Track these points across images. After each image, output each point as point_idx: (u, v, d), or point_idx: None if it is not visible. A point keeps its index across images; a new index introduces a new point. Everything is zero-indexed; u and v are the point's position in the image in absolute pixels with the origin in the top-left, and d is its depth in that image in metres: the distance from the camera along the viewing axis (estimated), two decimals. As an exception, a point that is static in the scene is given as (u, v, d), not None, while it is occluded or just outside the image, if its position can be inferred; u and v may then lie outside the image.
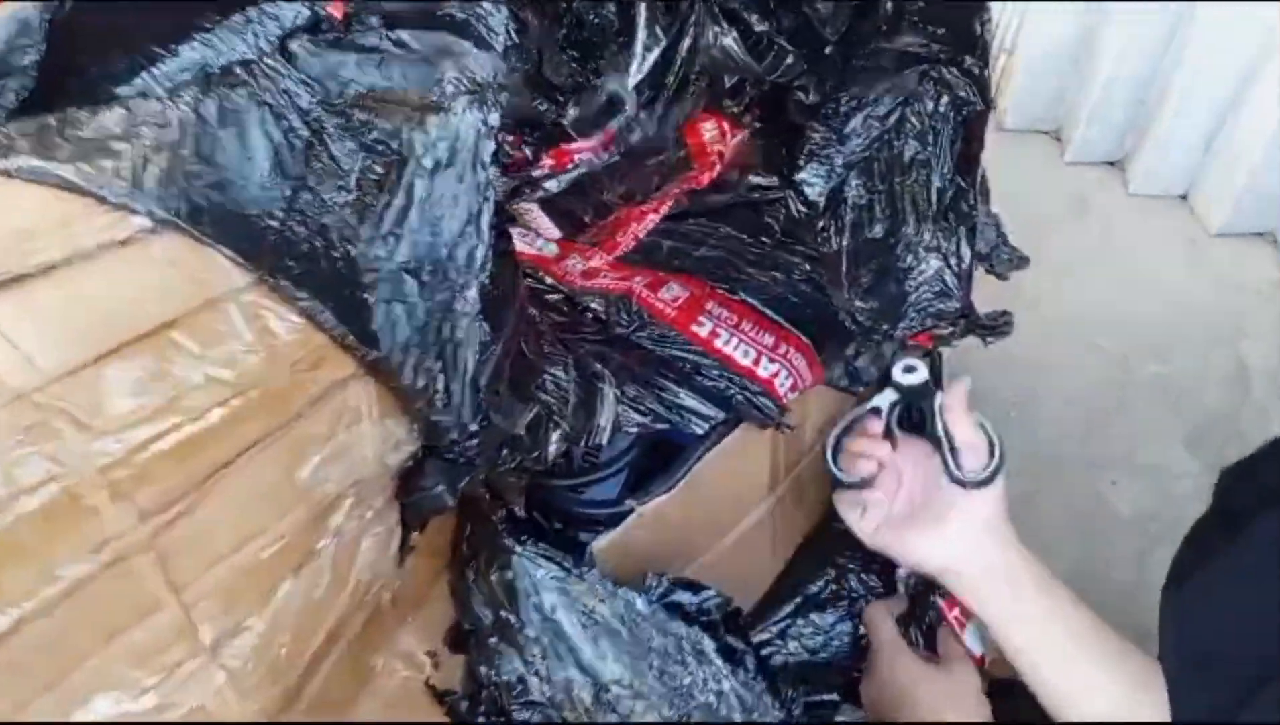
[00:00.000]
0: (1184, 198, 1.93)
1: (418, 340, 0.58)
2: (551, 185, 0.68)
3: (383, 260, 0.57)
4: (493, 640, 0.77)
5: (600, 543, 0.76)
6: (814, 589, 0.94)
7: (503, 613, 0.76)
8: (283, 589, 0.55)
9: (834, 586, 0.94)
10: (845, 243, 0.77)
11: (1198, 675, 0.55)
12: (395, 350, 0.58)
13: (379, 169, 0.57)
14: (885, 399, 0.84)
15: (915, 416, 0.84)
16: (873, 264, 0.76)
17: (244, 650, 0.53)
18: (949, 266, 0.76)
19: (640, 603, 0.73)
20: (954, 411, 0.79)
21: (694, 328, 0.85)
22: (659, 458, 0.93)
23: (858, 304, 0.78)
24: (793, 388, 0.84)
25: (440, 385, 0.59)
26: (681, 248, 0.91)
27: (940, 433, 0.78)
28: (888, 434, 0.84)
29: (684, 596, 0.75)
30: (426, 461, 0.63)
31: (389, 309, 0.58)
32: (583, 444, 0.73)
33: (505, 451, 0.68)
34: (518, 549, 0.73)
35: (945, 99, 0.73)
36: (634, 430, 0.76)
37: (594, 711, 0.74)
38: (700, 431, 0.79)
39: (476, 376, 0.59)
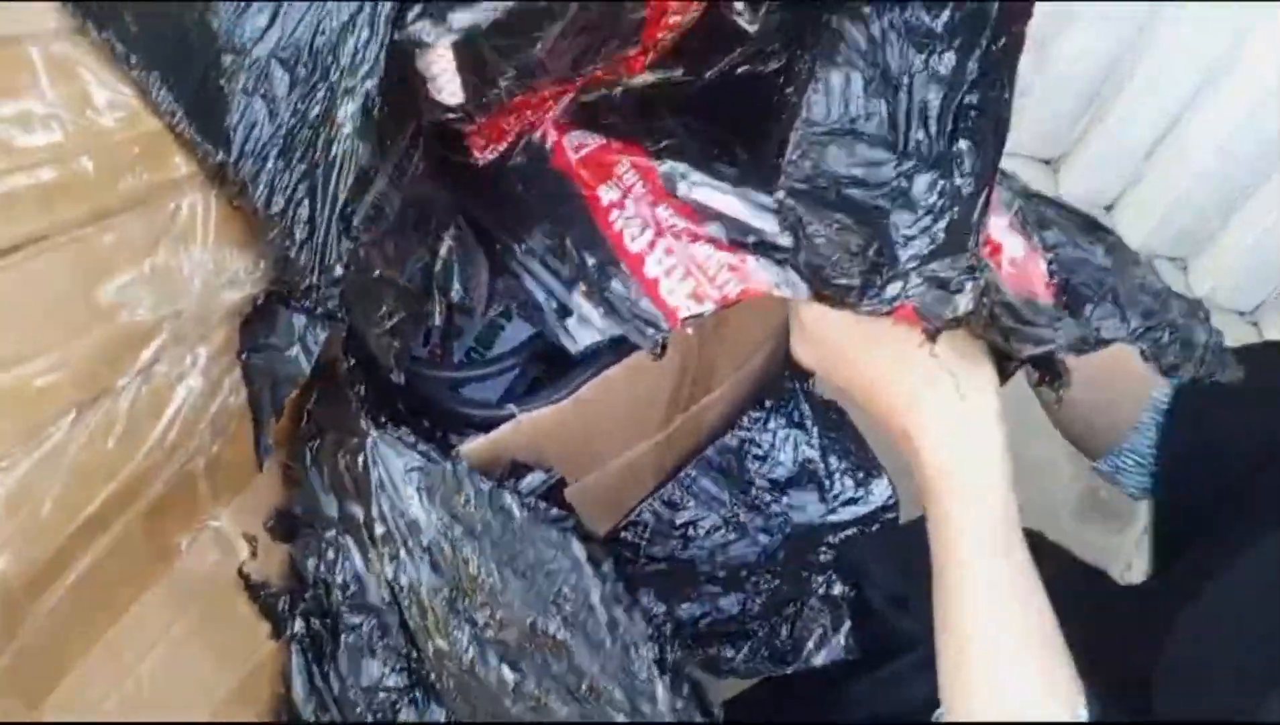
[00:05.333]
0: (1109, 209, 1.93)
1: (279, 149, 0.46)
2: (497, 4, 0.45)
3: (249, 40, 0.45)
4: (330, 533, 0.66)
5: (468, 445, 0.66)
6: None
7: (349, 503, 0.65)
8: (58, 428, 0.43)
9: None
10: (798, 120, 0.48)
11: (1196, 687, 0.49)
12: (249, 157, 0.46)
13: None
14: None
15: None
16: (831, 167, 0.48)
17: (-10, 494, 0.41)
18: (953, 195, 0.48)
19: (513, 503, 0.63)
20: None
21: (601, 191, 0.60)
22: (554, 367, 0.84)
23: (805, 231, 0.49)
24: (695, 296, 0.58)
25: (303, 212, 0.48)
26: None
27: None
28: None
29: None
30: (274, 309, 0.52)
31: (248, 104, 0.46)
32: (477, 313, 0.61)
33: (386, 306, 0.56)
34: (375, 432, 0.62)
35: None
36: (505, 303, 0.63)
37: (445, 620, 0.64)
38: (572, 348, 0.62)
39: (348, 208, 0.48)
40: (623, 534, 0.90)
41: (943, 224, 0.48)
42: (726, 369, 0.89)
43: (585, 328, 0.59)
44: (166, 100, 0.44)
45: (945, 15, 0.46)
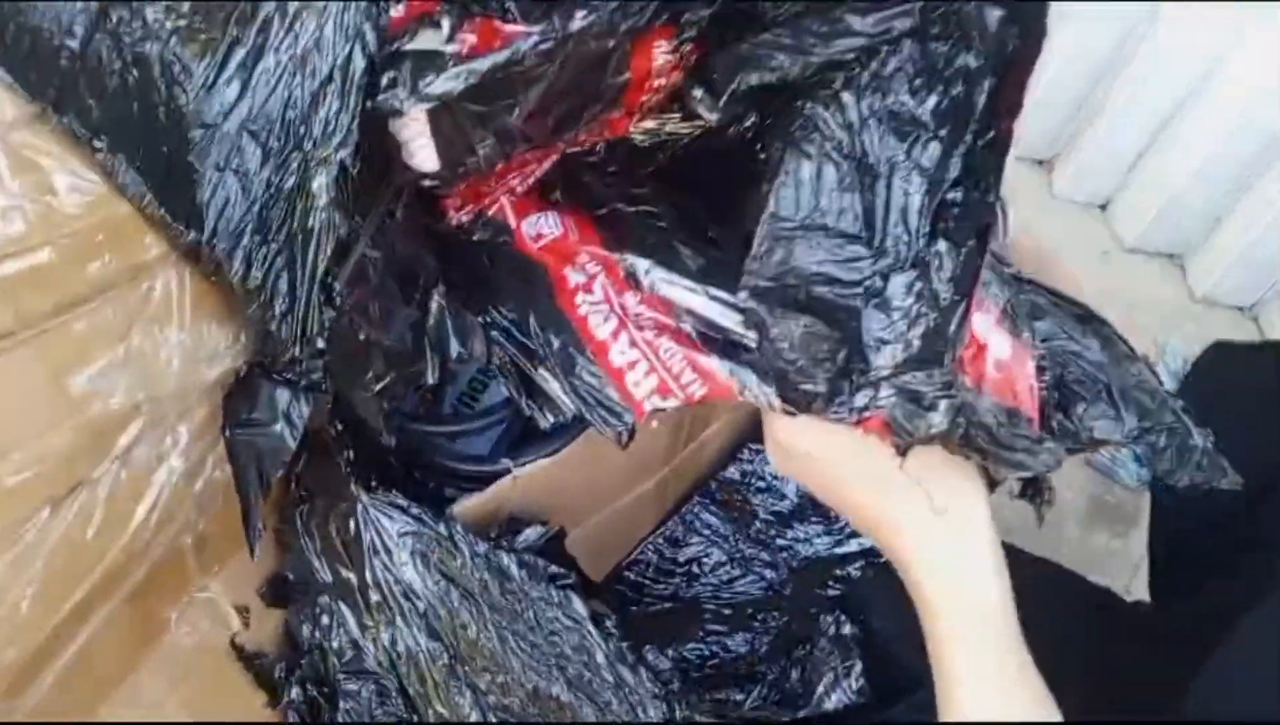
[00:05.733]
0: (1104, 208, 1.92)
1: (254, 224, 0.45)
2: (472, 68, 0.42)
3: (219, 115, 0.44)
4: (324, 599, 0.65)
5: (463, 503, 0.65)
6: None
7: (342, 569, 0.63)
8: (32, 525, 0.42)
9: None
10: (764, 214, 0.45)
11: None
12: (223, 234, 0.45)
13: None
14: None
15: None
16: (799, 264, 0.45)
17: (-35, 602, 0.40)
18: (930, 300, 0.45)
19: (510, 563, 0.61)
20: None
21: (568, 272, 0.58)
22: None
23: (768, 334, 0.46)
24: (660, 391, 0.55)
25: (282, 285, 0.46)
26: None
27: None
28: None
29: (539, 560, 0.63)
30: (257, 383, 0.50)
31: (220, 179, 0.44)
32: (471, 364, 0.58)
33: (374, 370, 0.55)
34: (365, 497, 0.61)
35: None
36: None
37: (446, 686, 0.62)
38: (542, 424, 0.57)
39: (328, 277, 0.46)
40: (626, 573, 0.88)
41: (919, 331, 0.45)
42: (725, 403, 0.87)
43: (551, 407, 0.56)
44: (134, 182, 0.43)
45: (932, 101, 0.43)
